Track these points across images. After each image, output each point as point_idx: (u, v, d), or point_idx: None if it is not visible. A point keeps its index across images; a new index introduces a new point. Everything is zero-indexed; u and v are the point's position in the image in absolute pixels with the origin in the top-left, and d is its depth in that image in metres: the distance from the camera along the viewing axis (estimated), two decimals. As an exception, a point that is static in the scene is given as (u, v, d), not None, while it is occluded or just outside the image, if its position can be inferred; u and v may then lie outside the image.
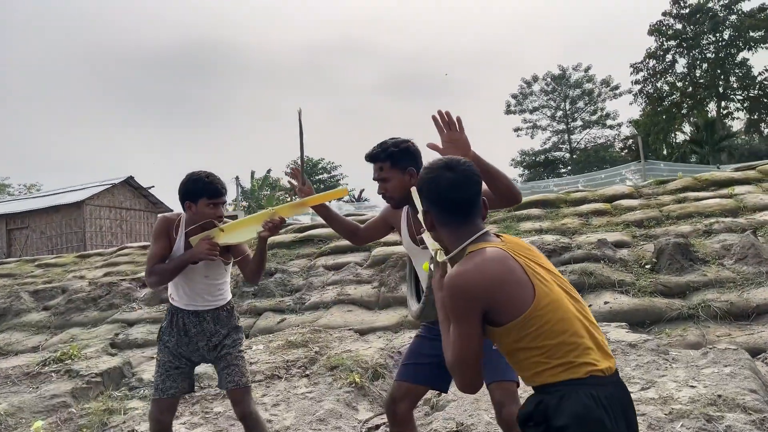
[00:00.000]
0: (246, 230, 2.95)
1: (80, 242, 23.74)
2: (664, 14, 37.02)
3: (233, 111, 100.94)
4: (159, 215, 3.16)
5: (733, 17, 35.39)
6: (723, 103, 37.45)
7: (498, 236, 1.76)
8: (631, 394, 3.83)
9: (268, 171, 47.42)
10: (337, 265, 8.22)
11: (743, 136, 39.61)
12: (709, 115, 35.43)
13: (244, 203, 44.44)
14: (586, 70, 46.56)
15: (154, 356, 6.73)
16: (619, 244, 7.02)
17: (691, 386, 3.84)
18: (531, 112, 48.34)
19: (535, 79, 48.02)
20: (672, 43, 37.22)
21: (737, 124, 39.09)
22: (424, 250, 2.58)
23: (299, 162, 3.12)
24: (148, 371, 5.63)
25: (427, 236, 2.07)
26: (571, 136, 48.01)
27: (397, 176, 2.62)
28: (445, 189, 1.72)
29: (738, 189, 8.03)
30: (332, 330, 6.24)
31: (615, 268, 6.37)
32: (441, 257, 1.94)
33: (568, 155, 48.15)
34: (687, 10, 36.28)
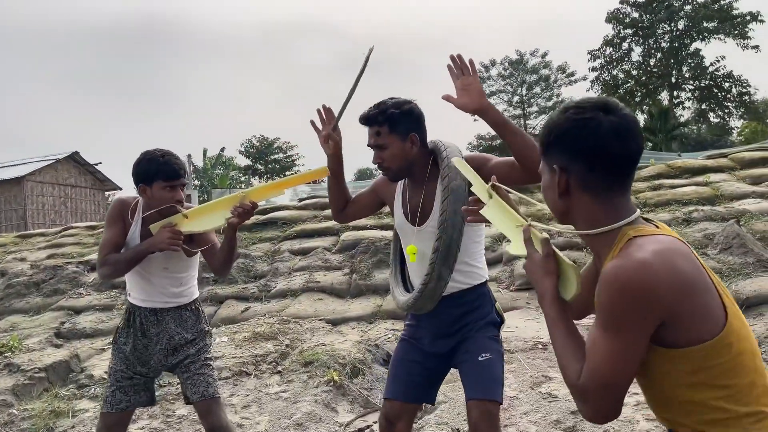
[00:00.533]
0: (213, 216, 2.53)
1: (20, 220, 22.46)
2: (621, 2, 37.33)
3: (185, 87, 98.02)
4: (115, 197, 2.74)
5: (688, 7, 35.93)
6: (675, 93, 38.23)
7: (649, 221, 1.28)
8: (636, 395, 3.61)
9: (222, 149, 46.20)
10: (303, 249, 7.77)
11: (692, 126, 40.64)
12: (663, 104, 36.14)
13: (196, 182, 43.23)
14: (543, 56, 46.72)
15: (105, 348, 6.21)
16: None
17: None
18: (488, 96, 48.08)
19: (493, 63, 47.98)
20: (628, 31, 37.64)
21: (686, 114, 40.05)
22: (420, 230, 2.25)
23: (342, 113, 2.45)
24: (99, 366, 5.10)
25: (495, 206, 1.64)
26: (527, 122, 48.29)
27: (396, 143, 2.24)
28: (607, 137, 1.19)
29: (713, 177, 7.95)
30: (302, 320, 5.82)
31: (598, 257, 6.14)
32: (538, 233, 1.43)
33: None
34: (644, 0, 36.71)
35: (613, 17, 37.42)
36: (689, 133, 39.46)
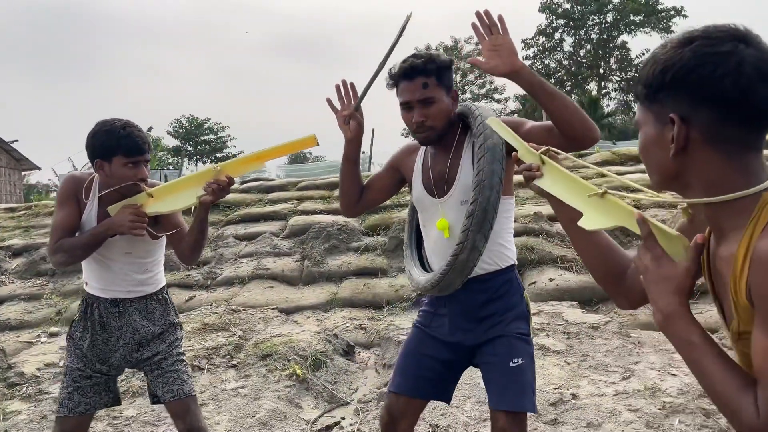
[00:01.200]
0: (182, 195, 2.24)
1: (-74, 201, 20.73)
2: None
3: (108, 63, 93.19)
4: (67, 174, 2.42)
5: (617, 0, 37.15)
6: (603, 84, 39.51)
7: None
8: (614, 385, 3.56)
9: (149, 129, 44.41)
10: (249, 235, 7.41)
11: (618, 116, 42.21)
12: (592, 94, 37.29)
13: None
14: (478, 43, 47.32)
15: (34, 341, 5.70)
16: (553, 218, 6.81)
17: (672, 374, 3.59)
18: (423, 81, 48.59)
19: (429, 49, 48.21)
20: (561, 21, 38.55)
21: (612, 104, 41.49)
22: (444, 201, 2.02)
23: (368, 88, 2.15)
24: (29, 362, 4.64)
25: (552, 173, 1.39)
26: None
27: (443, 98, 1.98)
28: (751, 77, 0.90)
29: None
30: (253, 309, 5.52)
31: (554, 243, 6.12)
32: (620, 202, 1.22)
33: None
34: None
35: (546, 7, 38.21)
36: (614, 122, 40.94)
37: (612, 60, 39.10)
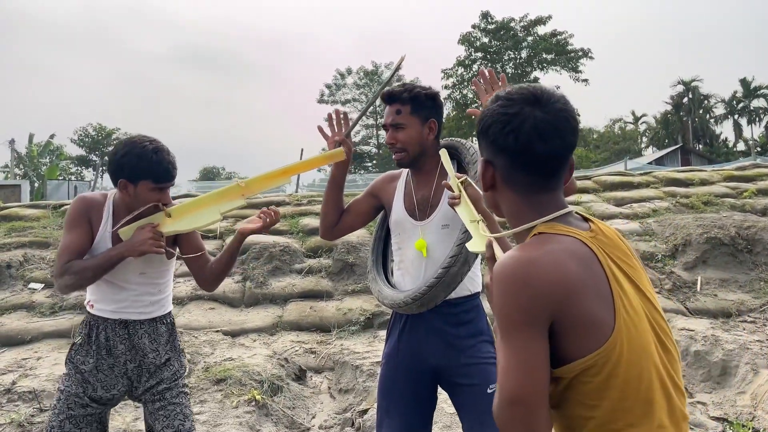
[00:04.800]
0: (203, 213, 2.17)
1: None
2: (473, 26, 39.70)
3: (4, 66, 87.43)
4: (78, 195, 2.27)
5: (531, 38, 39.12)
6: (516, 116, 41.30)
7: (586, 219, 1.22)
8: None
9: (52, 136, 42.11)
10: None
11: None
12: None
13: (19, 171, 38.72)
14: (397, 69, 48.39)
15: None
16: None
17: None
18: (343, 103, 48.96)
19: (349, 72, 48.74)
20: (479, 54, 40.07)
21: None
22: (426, 224, 2.14)
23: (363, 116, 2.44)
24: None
25: (463, 201, 1.80)
26: (380, 132, 49.53)
27: (415, 125, 2.16)
28: (530, 134, 1.12)
29: (583, 197, 8.56)
30: (196, 332, 5.33)
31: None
32: (482, 231, 1.62)
33: (375, 150, 49.64)
34: (493, 26, 39.30)
35: (466, 39, 39.61)
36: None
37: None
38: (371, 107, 2.55)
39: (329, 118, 2.25)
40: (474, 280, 2.16)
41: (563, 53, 38.16)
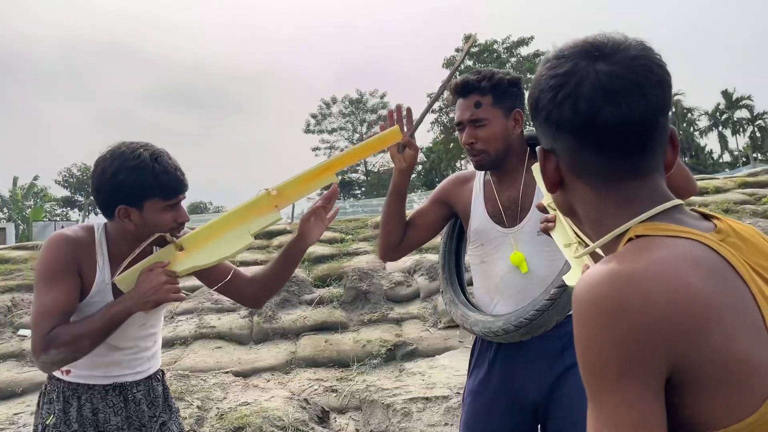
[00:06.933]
0: (228, 237, 1.66)
1: None
2: (456, 50, 39.93)
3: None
4: (56, 234, 1.68)
5: (514, 59, 39.41)
6: (503, 136, 41.52)
7: (706, 216, 0.84)
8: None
9: (35, 178, 41.43)
10: (184, 288, 6.71)
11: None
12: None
13: (3, 214, 38.16)
14: (382, 96, 48.54)
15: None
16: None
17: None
18: (330, 132, 48.96)
19: (334, 101, 48.86)
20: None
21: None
22: (518, 231, 1.79)
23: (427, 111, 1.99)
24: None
25: (558, 222, 1.36)
26: (367, 159, 49.49)
27: (498, 119, 1.79)
28: (592, 96, 0.76)
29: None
30: (204, 374, 4.88)
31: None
32: (577, 253, 1.23)
33: (363, 177, 49.58)
34: (476, 49, 39.57)
35: (450, 63, 39.79)
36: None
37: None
38: (437, 102, 2.28)
39: (390, 115, 1.82)
40: None
41: (548, 72, 38.58)
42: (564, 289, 1.62)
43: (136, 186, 1.56)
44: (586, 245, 1.20)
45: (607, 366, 0.67)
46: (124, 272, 1.61)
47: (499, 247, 1.82)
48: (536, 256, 1.75)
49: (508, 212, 1.83)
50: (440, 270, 2.12)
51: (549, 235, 1.39)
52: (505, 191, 1.85)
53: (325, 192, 1.76)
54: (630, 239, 0.76)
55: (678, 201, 0.80)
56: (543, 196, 1.81)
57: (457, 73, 2.05)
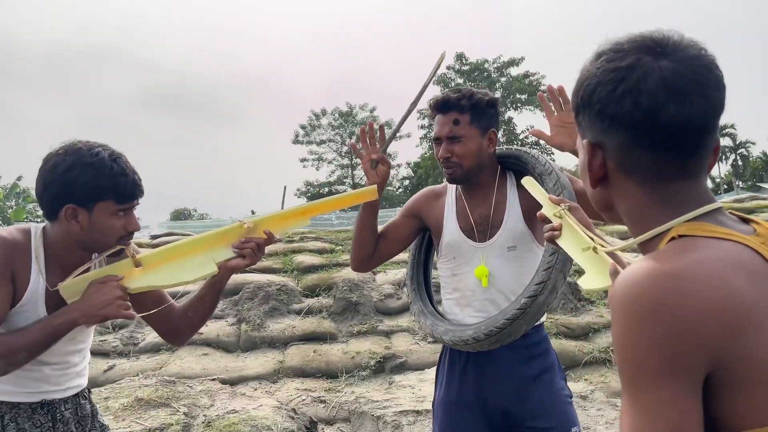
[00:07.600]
0: (192, 262, 1.60)
1: None
2: (448, 68, 40.25)
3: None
4: None
5: (504, 79, 39.81)
6: (491, 155, 41.84)
7: (745, 219, 0.84)
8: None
9: (18, 179, 40.81)
10: (170, 294, 6.63)
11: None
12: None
13: (-18, 214, 37.55)
14: (372, 110, 48.74)
15: None
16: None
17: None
18: (318, 144, 49.02)
19: (324, 113, 48.96)
20: (454, 95, 40.71)
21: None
22: (488, 246, 1.89)
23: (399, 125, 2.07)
24: None
25: (566, 229, 1.35)
26: (354, 172, 49.53)
27: (474, 137, 1.89)
28: (656, 93, 0.76)
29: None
30: (190, 380, 4.80)
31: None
32: (603, 256, 1.20)
33: (351, 189, 49.67)
34: (467, 67, 39.94)
35: (441, 80, 40.10)
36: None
37: (500, 134, 41.62)
38: (406, 119, 2.31)
39: (362, 133, 1.94)
40: None
41: (536, 93, 38.89)
42: (534, 299, 1.69)
43: (90, 184, 1.47)
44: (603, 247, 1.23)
45: (647, 362, 0.67)
46: (70, 280, 1.52)
47: (470, 261, 1.91)
48: (505, 270, 1.86)
49: (480, 228, 1.93)
50: (408, 281, 2.18)
51: (554, 243, 1.40)
52: (477, 208, 1.95)
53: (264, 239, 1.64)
54: (672, 238, 0.77)
55: (719, 203, 0.81)
56: (514, 214, 1.91)
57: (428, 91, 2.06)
